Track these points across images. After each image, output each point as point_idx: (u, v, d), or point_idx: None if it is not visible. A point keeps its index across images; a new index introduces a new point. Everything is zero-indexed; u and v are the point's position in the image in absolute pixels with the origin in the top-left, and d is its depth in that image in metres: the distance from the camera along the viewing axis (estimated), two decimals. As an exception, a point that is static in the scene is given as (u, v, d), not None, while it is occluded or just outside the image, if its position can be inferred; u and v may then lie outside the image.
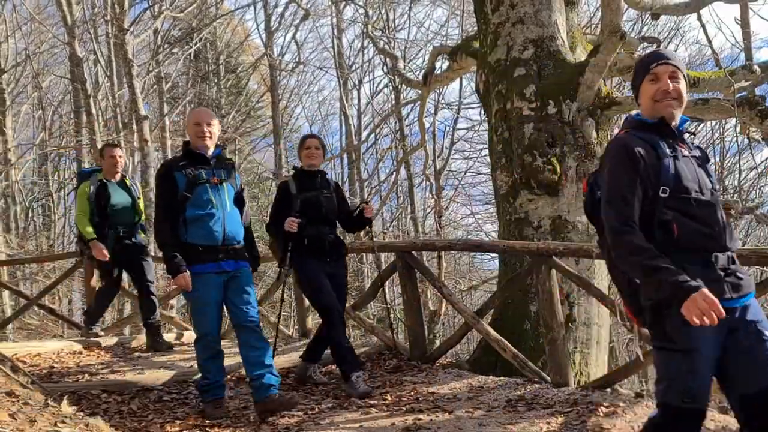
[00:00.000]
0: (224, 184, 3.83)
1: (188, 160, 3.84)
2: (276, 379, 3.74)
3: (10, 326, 11.31)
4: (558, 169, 5.18)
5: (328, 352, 5.56)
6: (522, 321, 5.07)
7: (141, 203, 5.77)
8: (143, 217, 5.83)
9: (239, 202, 3.95)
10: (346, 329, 4.54)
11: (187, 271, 3.68)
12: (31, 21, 16.67)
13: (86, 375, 4.92)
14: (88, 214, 5.46)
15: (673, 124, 2.32)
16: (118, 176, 5.62)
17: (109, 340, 6.65)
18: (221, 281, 3.76)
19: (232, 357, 5.56)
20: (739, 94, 5.35)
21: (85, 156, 15.91)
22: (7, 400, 2.74)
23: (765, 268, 5.00)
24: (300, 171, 4.58)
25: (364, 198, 19.21)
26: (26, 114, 19.90)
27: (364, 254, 18.24)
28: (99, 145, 12.47)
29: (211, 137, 3.83)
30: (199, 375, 3.96)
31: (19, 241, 15.84)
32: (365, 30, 15.86)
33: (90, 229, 5.43)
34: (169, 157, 15.37)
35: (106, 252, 5.42)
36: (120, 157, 5.61)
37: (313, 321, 7.03)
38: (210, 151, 3.87)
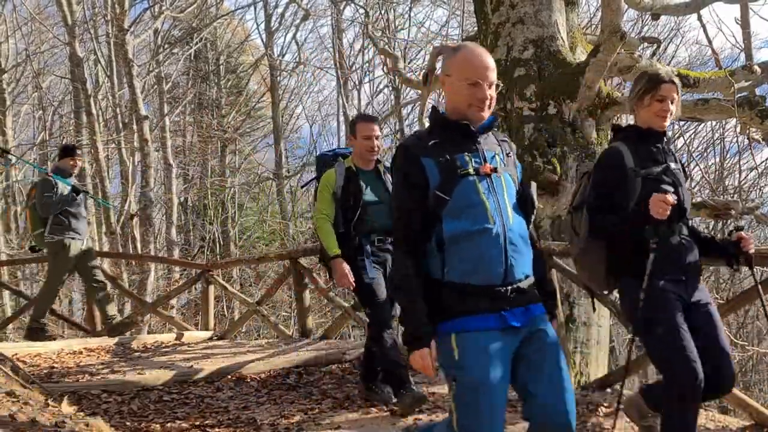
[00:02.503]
0: (501, 174, 2.13)
1: (442, 135, 2.14)
2: None
3: (10, 326, 11.30)
4: (558, 169, 5.18)
5: (330, 351, 5.56)
6: (522, 321, 5.06)
7: None
8: None
9: (524, 204, 2.19)
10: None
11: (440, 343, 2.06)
12: (32, 21, 16.67)
13: (86, 375, 4.92)
14: (331, 216, 3.83)
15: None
16: (372, 164, 3.94)
17: (109, 340, 6.66)
18: (508, 348, 2.06)
19: (231, 357, 5.57)
20: (739, 95, 5.35)
21: (86, 156, 15.92)
22: (8, 400, 2.74)
23: (765, 269, 5.00)
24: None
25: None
26: (26, 114, 19.89)
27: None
28: (99, 146, 12.50)
29: (490, 103, 2.15)
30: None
31: (20, 241, 15.83)
32: (365, 30, 15.87)
33: (334, 241, 3.77)
34: (169, 156, 15.43)
35: (351, 277, 3.74)
36: (378, 137, 3.88)
37: (313, 321, 7.04)
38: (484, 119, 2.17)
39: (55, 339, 6.85)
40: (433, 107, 2.36)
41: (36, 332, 6.26)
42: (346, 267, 3.72)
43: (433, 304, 2.03)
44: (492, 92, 2.15)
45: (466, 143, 2.13)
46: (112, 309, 6.84)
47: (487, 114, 2.14)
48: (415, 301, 2.03)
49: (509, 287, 2.04)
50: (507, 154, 2.21)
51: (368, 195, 3.82)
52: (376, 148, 3.88)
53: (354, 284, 3.76)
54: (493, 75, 2.14)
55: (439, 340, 2.04)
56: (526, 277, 2.10)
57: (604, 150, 2.81)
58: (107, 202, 6.50)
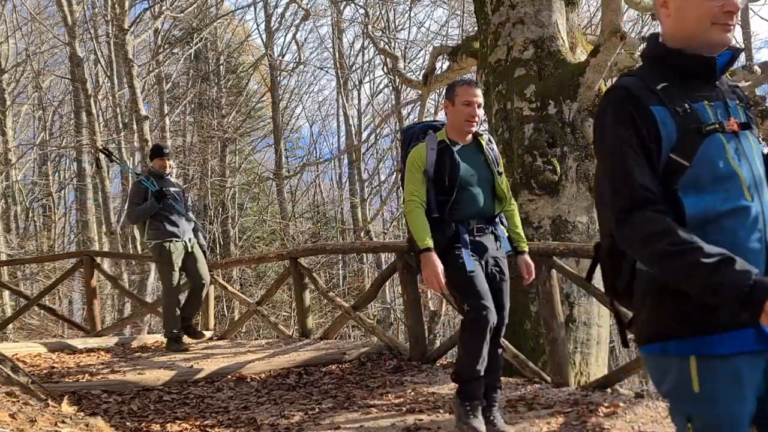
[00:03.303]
0: (749, 132, 1.56)
1: (670, 75, 1.53)
2: None
3: (10, 326, 11.31)
4: (558, 170, 5.18)
5: (330, 351, 5.56)
6: (522, 321, 5.06)
7: (503, 182, 3.36)
8: (510, 204, 3.39)
9: None
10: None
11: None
12: (32, 21, 16.68)
13: (86, 375, 4.92)
14: (423, 197, 3.21)
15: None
16: (470, 136, 3.33)
17: (109, 340, 6.66)
18: (759, 374, 1.45)
19: (231, 357, 5.58)
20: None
21: (86, 156, 15.93)
22: (8, 400, 2.74)
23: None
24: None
25: (364, 197, 19.24)
26: (26, 114, 19.90)
27: (364, 254, 18.26)
28: (99, 145, 12.50)
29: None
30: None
31: (20, 241, 15.84)
32: (365, 30, 15.87)
33: (426, 230, 3.14)
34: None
35: (442, 278, 3.09)
36: (480, 104, 3.30)
37: (313, 321, 7.04)
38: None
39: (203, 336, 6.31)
40: (651, 35, 1.63)
41: (173, 343, 5.87)
42: (438, 264, 3.07)
43: (656, 310, 1.47)
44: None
45: (704, 87, 1.51)
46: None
47: (730, 38, 1.51)
48: (720, 255, 1.33)
49: None
50: (747, 104, 1.58)
51: (465, 173, 3.20)
52: (477, 118, 3.26)
53: (443, 287, 3.14)
54: None
55: (664, 363, 1.47)
56: None
57: None
58: (192, 216, 6.10)
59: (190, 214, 6.03)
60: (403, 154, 3.44)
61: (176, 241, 5.82)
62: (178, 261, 5.82)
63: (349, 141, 19.68)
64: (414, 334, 5.24)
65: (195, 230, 6.08)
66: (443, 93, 4.29)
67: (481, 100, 3.29)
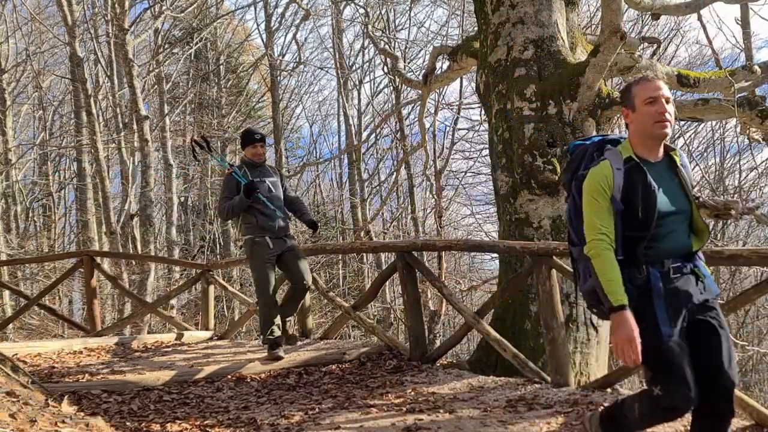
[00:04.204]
0: None
1: None
2: None
3: (10, 326, 11.31)
4: (558, 170, 5.18)
5: (330, 351, 5.56)
6: (522, 321, 5.07)
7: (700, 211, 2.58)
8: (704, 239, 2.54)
9: None
10: None
11: None
12: (32, 21, 16.67)
13: (87, 375, 4.92)
14: (612, 234, 2.41)
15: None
16: (661, 151, 2.51)
17: (109, 340, 6.66)
18: None
19: (231, 357, 5.58)
20: (739, 95, 5.36)
21: (86, 156, 15.93)
22: (8, 400, 2.74)
23: (765, 269, 5.00)
24: None
25: (364, 197, 19.23)
26: (26, 114, 19.91)
27: (364, 254, 18.25)
28: (99, 146, 12.50)
29: None
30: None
31: (20, 241, 15.84)
32: (365, 30, 15.86)
33: (618, 280, 2.36)
34: (169, 156, 15.43)
35: (638, 346, 2.30)
36: (668, 100, 2.47)
37: (313, 321, 7.03)
38: None
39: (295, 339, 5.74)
40: None
41: (273, 347, 5.17)
42: (635, 328, 2.29)
43: None
44: None
45: None
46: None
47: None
48: None
49: None
50: None
51: (663, 202, 2.41)
52: (669, 115, 2.42)
53: (638, 359, 2.30)
54: None
55: None
56: None
57: None
58: (281, 211, 5.24)
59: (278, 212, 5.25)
60: (569, 177, 2.65)
61: (270, 237, 5.17)
62: (271, 258, 5.18)
63: (349, 141, 19.68)
64: (414, 334, 5.24)
65: (302, 215, 5.41)
66: (443, 93, 4.29)
67: (668, 93, 2.48)
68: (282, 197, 5.32)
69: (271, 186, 5.25)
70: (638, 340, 2.28)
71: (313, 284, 6.60)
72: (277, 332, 5.18)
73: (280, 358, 5.11)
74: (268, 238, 5.15)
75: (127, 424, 3.72)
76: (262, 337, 5.33)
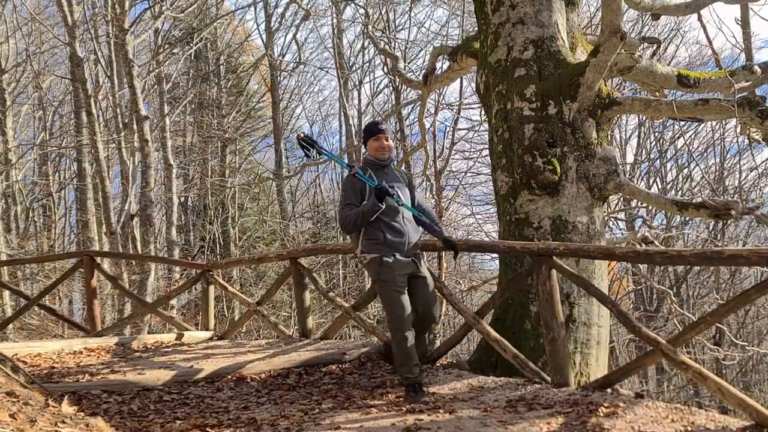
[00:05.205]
0: None
1: None
2: None
3: (10, 326, 11.32)
4: (558, 170, 5.18)
5: (330, 351, 5.55)
6: (522, 321, 5.06)
7: None
8: None
9: None
10: None
11: None
12: (32, 21, 16.68)
13: (87, 375, 4.92)
14: None
15: None
16: None
17: (110, 341, 6.66)
18: None
19: (231, 357, 5.58)
20: (739, 95, 5.35)
21: (86, 156, 15.94)
22: (8, 400, 2.74)
23: (765, 269, 4.99)
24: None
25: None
26: (27, 114, 19.92)
27: (364, 254, 18.22)
28: (100, 146, 12.50)
29: None
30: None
31: (20, 241, 15.85)
32: (365, 30, 15.86)
33: None
34: (169, 157, 15.43)
35: None
36: None
37: (313, 321, 7.03)
38: None
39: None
40: None
41: (414, 389, 4.13)
42: None
43: None
44: None
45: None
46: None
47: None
48: None
49: None
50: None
51: None
52: None
53: None
54: None
55: None
56: None
57: None
58: (411, 225, 4.35)
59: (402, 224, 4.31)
60: None
61: (399, 256, 4.22)
62: (404, 282, 4.25)
63: (349, 141, 19.67)
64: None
65: (436, 231, 4.53)
66: (443, 93, 4.27)
67: None
68: (412, 204, 4.43)
69: (399, 192, 4.29)
70: None
71: (313, 284, 6.62)
72: (417, 372, 4.19)
73: (426, 402, 3.99)
74: (397, 257, 4.20)
75: (127, 424, 3.72)
76: (400, 376, 4.33)
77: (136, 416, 3.92)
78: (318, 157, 4.50)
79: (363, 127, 4.58)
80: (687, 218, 14.80)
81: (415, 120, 15.38)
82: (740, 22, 6.58)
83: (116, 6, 12.87)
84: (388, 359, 5.01)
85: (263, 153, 23.86)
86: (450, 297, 5.29)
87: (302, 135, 4.41)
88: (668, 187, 19.03)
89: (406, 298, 4.21)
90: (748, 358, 14.94)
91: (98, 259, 8.61)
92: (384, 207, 4.14)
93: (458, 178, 18.37)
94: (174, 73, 18.61)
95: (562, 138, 5.26)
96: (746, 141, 8.12)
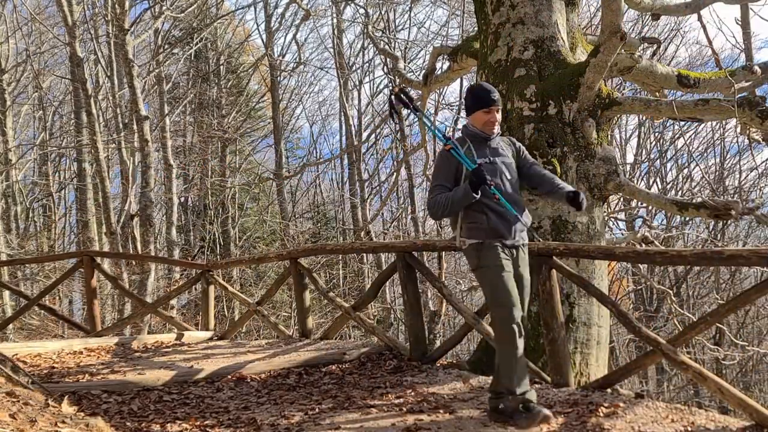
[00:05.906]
0: None
1: None
2: None
3: (10, 326, 11.32)
4: (558, 170, 5.18)
5: (330, 351, 5.55)
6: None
7: None
8: None
9: None
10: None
11: None
12: (32, 21, 16.68)
13: (87, 375, 4.92)
14: None
15: None
16: None
17: (110, 341, 6.66)
18: None
19: (231, 357, 5.58)
20: (739, 95, 5.35)
21: (86, 156, 15.94)
22: (8, 401, 2.74)
23: (765, 269, 5.00)
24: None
25: (364, 197, 19.23)
26: (27, 114, 19.92)
27: (364, 254, 18.25)
28: (100, 146, 12.51)
29: None
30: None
31: (20, 242, 15.85)
32: (365, 30, 15.87)
33: None
34: (169, 157, 15.42)
35: None
36: None
37: (313, 321, 7.03)
38: None
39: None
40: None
41: (500, 414, 3.43)
42: None
43: None
44: None
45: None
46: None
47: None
48: None
49: None
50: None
51: None
52: None
53: None
54: None
55: None
56: None
57: None
58: (517, 206, 3.51)
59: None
60: None
61: (505, 243, 3.49)
62: (510, 264, 3.49)
63: (349, 141, 19.68)
64: (414, 334, 5.24)
65: (557, 191, 3.60)
66: (443, 93, 4.22)
67: None
68: (517, 184, 3.64)
69: (506, 170, 3.56)
70: None
71: (313, 284, 6.62)
72: (527, 386, 3.41)
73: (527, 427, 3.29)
74: (503, 243, 3.49)
75: (127, 424, 3.72)
76: (492, 395, 3.54)
77: (136, 416, 3.92)
78: (401, 120, 3.87)
79: (468, 89, 3.80)
80: (687, 218, 14.81)
81: (415, 120, 15.38)
82: (740, 22, 6.59)
83: (116, 6, 12.87)
84: None
85: (263, 153, 23.89)
86: (450, 297, 5.29)
87: (397, 90, 3.75)
88: (668, 187, 19.04)
89: (515, 290, 3.42)
90: (748, 358, 14.94)
91: (98, 259, 8.62)
92: (479, 197, 3.43)
93: (458, 178, 18.31)
94: (174, 73, 18.63)
95: (562, 138, 5.26)
96: (746, 141, 8.12)
